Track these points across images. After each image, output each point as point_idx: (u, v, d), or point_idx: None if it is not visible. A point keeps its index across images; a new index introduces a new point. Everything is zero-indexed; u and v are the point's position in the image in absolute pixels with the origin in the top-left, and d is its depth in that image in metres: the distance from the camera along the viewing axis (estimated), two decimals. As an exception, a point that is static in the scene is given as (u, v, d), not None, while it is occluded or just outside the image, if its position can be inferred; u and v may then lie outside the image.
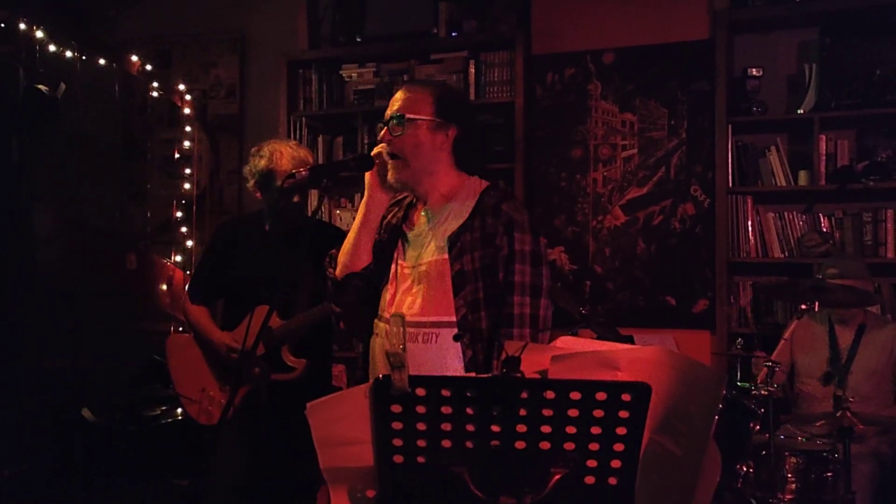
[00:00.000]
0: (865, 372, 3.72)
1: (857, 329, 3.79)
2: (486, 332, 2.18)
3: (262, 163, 3.13)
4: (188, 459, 3.92)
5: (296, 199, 3.15)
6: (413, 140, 2.24)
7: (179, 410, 4.27)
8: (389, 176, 2.28)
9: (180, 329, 4.59)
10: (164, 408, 4.34)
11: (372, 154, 2.31)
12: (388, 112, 2.28)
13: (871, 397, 3.66)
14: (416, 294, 2.24)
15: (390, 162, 2.27)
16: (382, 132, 2.28)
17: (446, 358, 2.18)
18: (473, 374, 2.10)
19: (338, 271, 2.37)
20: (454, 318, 2.19)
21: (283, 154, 3.12)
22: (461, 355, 2.18)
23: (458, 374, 2.14)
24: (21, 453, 4.02)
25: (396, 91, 2.34)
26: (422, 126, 2.25)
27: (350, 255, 2.35)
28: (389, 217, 2.39)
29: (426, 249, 2.27)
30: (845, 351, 3.78)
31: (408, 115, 2.24)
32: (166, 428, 4.23)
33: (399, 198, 2.41)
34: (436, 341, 2.19)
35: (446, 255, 2.22)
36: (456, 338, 2.18)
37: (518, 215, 2.23)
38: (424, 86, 2.36)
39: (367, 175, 2.33)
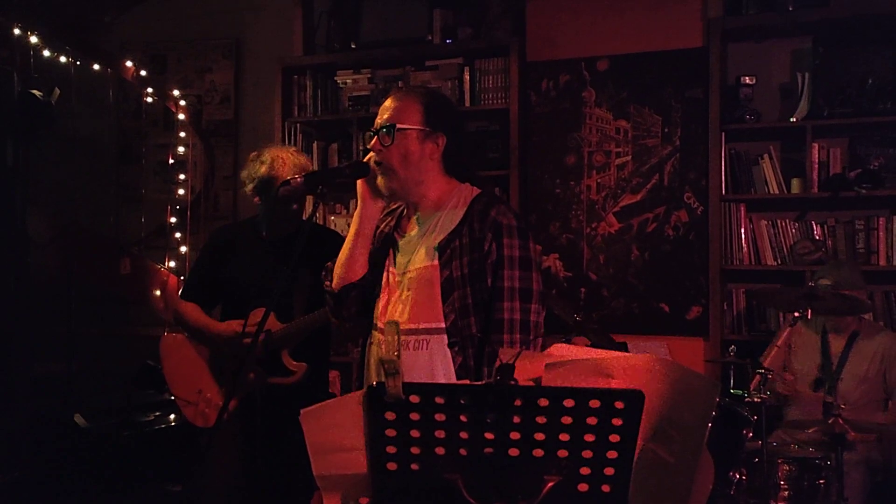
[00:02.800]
0: (855, 379, 3.74)
1: (849, 336, 3.81)
2: (477, 337, 2.18)
3: (263, 169, 3.12)
4: (181, 465, 3.91)
5: (294, 206, 3.15)
6: (402, 150, 2.24)
7: (172, 416, 4.26)
8: (380, 185, 2.28)
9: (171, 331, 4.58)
10: (157, 413, 4.33)
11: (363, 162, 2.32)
12: (378, 121, 2.28)
13: (861, 404, 3.68)
14: (405, 301, 2.24)
15: (380, 171, 2.27)
16: (372, 141, 2.28)
17: (437, 365, 2.18)
18: (466, 381, 2.10)
19: (335, 283, 2.37)
20: (443, 325, 2.19)
21: (286, 162, 3.10)
22: (451, 362, 2.18)
23: (451, 381, 2.14)
24: (13, 459, 4.01)
25: (385, 99, 2.34)
26: (411, 135, 2.24)
27: (345, 266, 2.35)
28: (382, 226, 2.39)
29: (416, 256, 2.27)
30: (836, 357, 3.79)
31: (397, 126, 2.24)
32: (160, 433, 4.22)
33: (393, 207, 2.42)
34: (426, 348, 2.19)
35: (436, 262, 2.22)
36: (451, 345, 2.18)
37: (506, 220, 2.22)
38: (413, 93, 2.34)
39: (359, 185, 2.33)
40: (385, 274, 2.31)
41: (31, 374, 4.45)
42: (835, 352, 3.81)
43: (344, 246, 2.37)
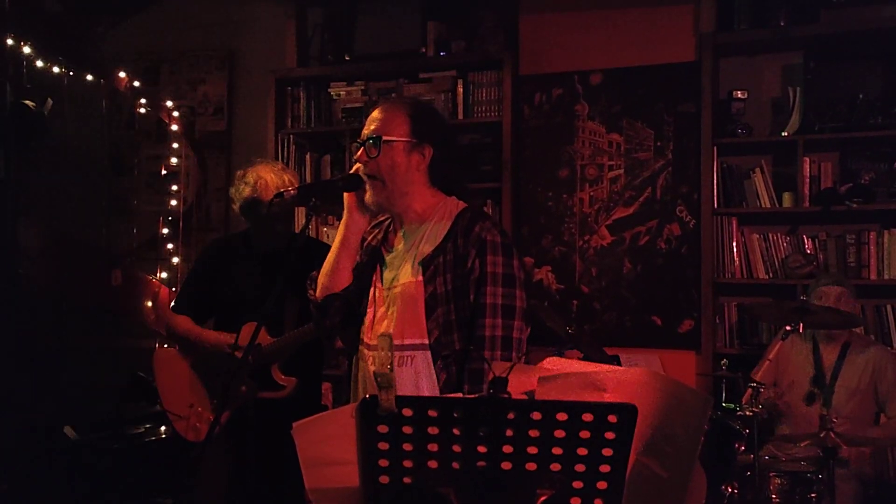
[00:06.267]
0: (848, 391, 3.74)
1: (841, 347, 3.82)
2: (461, 354, 2.16)
3: (247, 191, 3.14)
4: (172, 478, 3.89)
5: (279, 227, 3.15)
6: (389, 161, 2.23)
7: (163, 428, 4.25)
8: (367, 197, 2.27)
9: (165, 345, 4.56)
10: (147, 425, 4.31)
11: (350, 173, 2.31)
12: (365, 132, 2.27)
13: (852, 417, 3.68)
14: (390, 317, 2.23)
15: (367, 182, 2.27)
16: (359, 152, 2.27)
17: (422, 381, 2.16)
18: (459, 395, 2.10)
19: (318, 293, 2.36)
20: (427, 341, 2.18)
21: (268, 183, 3.12)
22: (436, 378, 2.16)
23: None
24: (2, 471, 3.98)
25: (373, 110, 2.33)
26: (397, 147, 2.24)
27: (329, 276, 2.34)
28: (370, 239, 2.39)
29: (401, 271, 2.26)
30: (829, 370, 3.80)
31: (384, 137, 2.23)
32: (150, 446, 4.20)
33: (380, 220, 2.41)
34: (410, 364, 2.17)
35: (420, 278, 2.21)
36: (436, 362, 2.16)
37: (490, 236, 2.20)
38: (400, 105, 2.33)
39: (346, 196, 2.32)
40: (372, 289, 2.30)
41: (20, 386, 4.42)
42: (827, 364, 3.82)
43: (329, 256, 2.36)
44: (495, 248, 2.20)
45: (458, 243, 2.21)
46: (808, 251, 4.30)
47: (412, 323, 2.19)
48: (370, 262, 2.34)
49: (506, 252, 2.21)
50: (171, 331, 3.33)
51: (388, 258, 2.32)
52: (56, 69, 4.84)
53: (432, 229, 2.27)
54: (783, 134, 4.33)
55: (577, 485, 1.47)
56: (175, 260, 5.09)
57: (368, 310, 2.29)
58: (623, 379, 1.54)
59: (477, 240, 2.20)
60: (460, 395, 2.06)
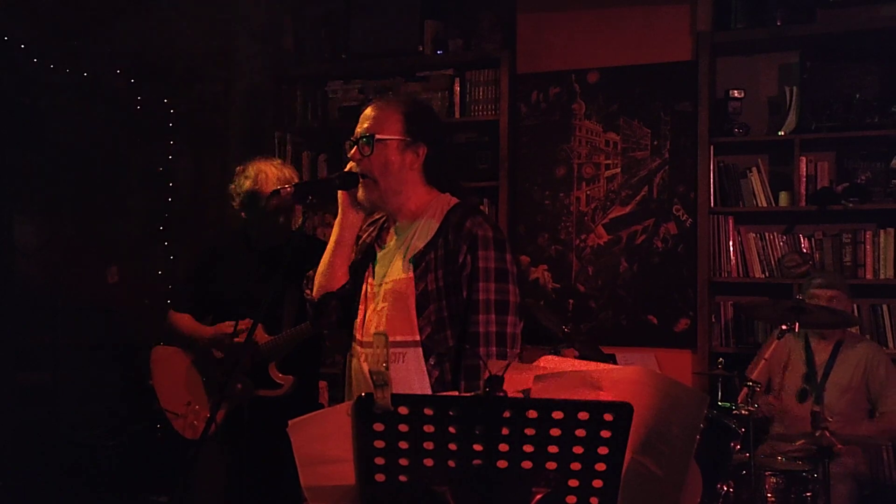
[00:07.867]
0: (840, 389, 3.75)
1: (833, 345, 3.83)
2: (454, 351, 2.16)
3: (248, 184, 3.12)
4: (167, 476, 3.89)
5: (281, 219, 3.15)
6: (382, 160, 2.22)
7: (159, 426, 4.24)
8: (359, 195, 2.27)
9: (163, 343, 4.55)
10: (143, 423, 4.30)
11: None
12: (358, 130, 2.26)
13: (845, 414, 3.69)
14: (380, 313, 2.22)
15: (361, 180, 2.26)
16: (352, 150, 2.27)
17: (413, 378, 2.15)
18: (454, 393, 2.09)
19: (314, 292, 2.36)
20: (419, 338, 2.17)
21: (269, 175, 3.11)
22: (427, 376, 2.16)
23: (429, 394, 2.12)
24: (-2, 469, 3.98)
25: (366, 107, 2.32)
26: (391, 146, 2.23)
27: (325, 275, 2.34)
28: (364, 236, 2.39)
29: (392, 268, 2.25)
30: (821, 367, 3.81)
31: (377, 136, 2.22)
32: (145, 444, 4.20)
33: (375, 218, 2.41)
34: (402, 361, 2.17)
35: (411, 274, 2.20)
36: (427, 359, 2.16)
37: (481, 231, 2.18)
38: (394, 103, 2.31)
39: (340, 194, 2.32)
40: (364, 286, 2.30)
41: (15, 384, 4.41)
42: (819, 362, 3.83)
43: (324, 255, 2.36)
44: (487, 243, 2.18)
45: (450, 239, 2.20)
46: (805, 250, 4.31)
47: (403, 320, 2.19)
48: (364, 259, 2.34)
49: (497, 246, 2.19)
50: (171, 330, 3.32)
51: (379, 255, 2.31)
52: (52, 66, 4.83)
53: (424, 225, 2.26)
54: (780, 133, 4.34)
55: (573, 483, 1.47)
56: (171, 257, 5.09)
57: (360, 307, 2.29)
58: (619, 377, 1.55)
59: (468, 235, 2.18)
60: (455, 392, 2.06)
